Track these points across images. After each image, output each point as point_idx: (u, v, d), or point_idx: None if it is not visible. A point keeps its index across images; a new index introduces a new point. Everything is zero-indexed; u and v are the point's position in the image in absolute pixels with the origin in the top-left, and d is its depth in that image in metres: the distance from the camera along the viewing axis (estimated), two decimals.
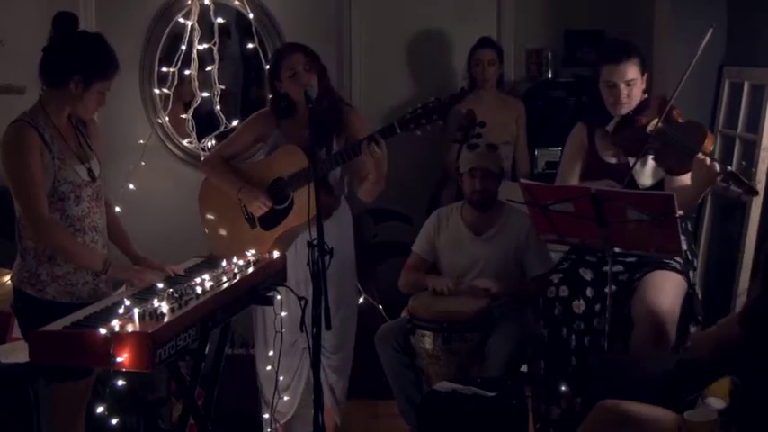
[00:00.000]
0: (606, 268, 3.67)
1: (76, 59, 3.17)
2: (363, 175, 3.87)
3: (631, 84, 3.73)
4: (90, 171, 3.31)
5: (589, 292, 3.77)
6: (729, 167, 3.43)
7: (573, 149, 3.98)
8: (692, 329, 3.78)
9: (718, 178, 3.43)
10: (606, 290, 3.63)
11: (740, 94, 4.66)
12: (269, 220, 3.92)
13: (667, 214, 3.34)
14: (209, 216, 4.09)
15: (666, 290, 3.61)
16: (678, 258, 3.71)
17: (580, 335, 3.76)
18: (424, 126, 3.66)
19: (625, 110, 3.76)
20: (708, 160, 3.44)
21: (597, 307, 3.73)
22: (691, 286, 3.76)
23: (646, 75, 3.79)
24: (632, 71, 3.72)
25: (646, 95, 3.82)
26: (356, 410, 4.35)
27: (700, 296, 3.86)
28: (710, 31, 3.60)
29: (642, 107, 3.76)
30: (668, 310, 3.56)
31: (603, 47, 3.98)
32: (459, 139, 4.67)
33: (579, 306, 3.76)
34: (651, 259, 3.71)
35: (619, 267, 3.72)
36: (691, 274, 3.78)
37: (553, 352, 3.84)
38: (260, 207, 3.90)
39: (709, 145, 3.56)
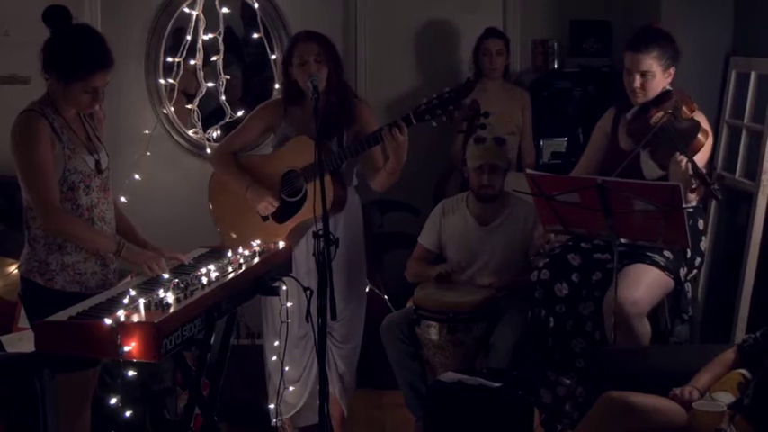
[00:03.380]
0: (597, 255, 3.70)
1: (69, 57, 3.15)
2: (376, 166, 3.87)
3: (647, 75, 3.66)
4: (98, 163, 3.30)
5: (575, 276, 3.75)
6: (701, 170, 3.39)
7: (596, 135, 3.97)
8: (678, 327, 3.77)
9: (692, 180, 3.38)
10: (594, 277, 3.67)
11: (747, 84, 4.63)
12: (282, 213, 3.87)
13: (673, 205, 3.33)
14: (220, 209, 4.04)
15: (638, 284, 3.57)
16: (666, 253, 3.67)
17: (561, 318, 3.75)
18: (440, 117, 3.65)
19: (640, 99, 3.72)
20: (683, 160, 3.40)
21: (584, 292, 3.73)
22: (680, 283, 3.71)
23: (672, 68, 3.71)
24: (648, 63, 3.64)
25: (669, 88, 3.73)
26: (361, 401, 4.35)
27: (689, 293, 3.82)
28: None
29: (661, 99, 3.70)
30: (633, 303, 3.52)
31: (633, 32, 3.92)
32: (464, 129, 4.68)
33: (561, 290, 3.74)
34: (636, 251, 3.68)
35: (607, 255, 3.70)
36: (682, 270, 3.72)
37: (534, 335, 3.83)
38: (266, 208, 3.85)
39: (696, 148, 3.50)
